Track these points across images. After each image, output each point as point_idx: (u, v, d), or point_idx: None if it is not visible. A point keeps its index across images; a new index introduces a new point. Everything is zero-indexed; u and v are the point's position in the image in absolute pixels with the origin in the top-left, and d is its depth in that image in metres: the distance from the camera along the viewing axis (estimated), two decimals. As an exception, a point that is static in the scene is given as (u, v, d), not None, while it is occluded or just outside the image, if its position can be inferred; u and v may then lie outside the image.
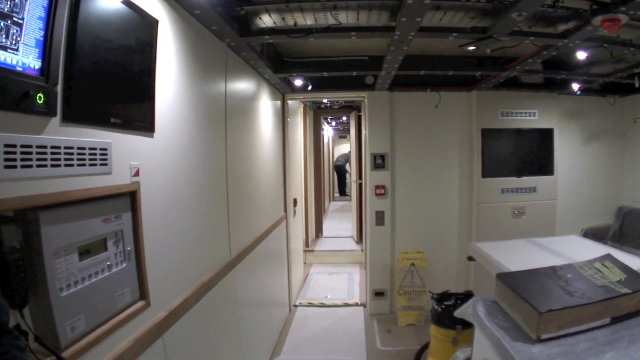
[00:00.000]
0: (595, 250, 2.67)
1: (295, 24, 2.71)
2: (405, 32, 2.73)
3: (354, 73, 4.30)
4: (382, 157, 5.06)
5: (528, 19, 2.69)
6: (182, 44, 2.19)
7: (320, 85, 4.91)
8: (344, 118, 10.42)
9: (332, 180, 14.75)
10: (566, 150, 5.40)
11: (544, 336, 1.18)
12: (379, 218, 5.13)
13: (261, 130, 4.05)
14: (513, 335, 1.21)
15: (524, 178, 5.05)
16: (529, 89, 5.05)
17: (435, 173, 5.11)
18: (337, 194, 15.43)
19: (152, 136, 1.85)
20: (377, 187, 5.07)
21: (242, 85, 3.47)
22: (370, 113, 5.03)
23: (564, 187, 5.35)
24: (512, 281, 1.41)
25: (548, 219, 5.14)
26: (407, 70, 4.07)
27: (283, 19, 2.66)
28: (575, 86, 4.90)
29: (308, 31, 2.82)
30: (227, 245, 2.91)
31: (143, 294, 1.71)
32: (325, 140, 12.15)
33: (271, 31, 2.85)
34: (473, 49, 3.23)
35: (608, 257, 1.58)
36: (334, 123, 12.13)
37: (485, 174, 4.96)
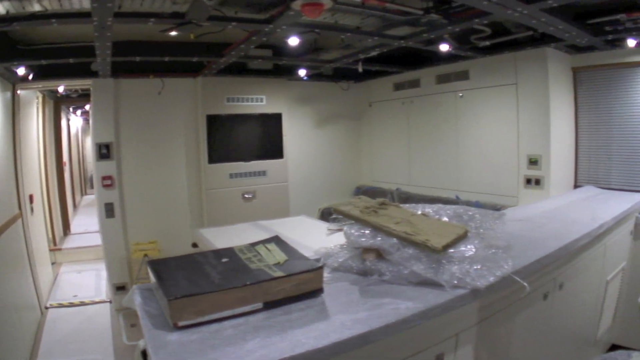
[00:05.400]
0: (317, 228, 3.05)
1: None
2: (102, 17, 2.83)
3: (71, 60, 4.43)
4: (107, 146, 5.26)
5: (236, 5, 2.92)
6: None
7: (49, 73, 4.99)
8: (87, 107, 10.55)
9: (85, 173, 14.82)
10: (298, 134, 6.13)
11: (181, 323, 1.21)
12: (109, 210, 5.35)
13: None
14: (156, 323, 1.26)
15: (253, 162, 5.74)
16: (257, 75, 5.57)
17: (163, 161, 5.54)
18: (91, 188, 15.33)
19: None
20: (104, 178, 5.26)
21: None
22: (96, 101, 5.22)
23: (297, 170, 6.11)
24: (160, 267, 1.44)
25: (281, 201, 5.94)
26: (127, 56, 4.36)
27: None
28: (303, 72, 5.50)
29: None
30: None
31: None
32: (73, 131, 12.38)
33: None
34: (175, 34, 3.48)
35: (274, 239, 1.67)
36: (79, 112, 12.27)
37: (213, 159, 5.52)
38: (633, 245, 3.36)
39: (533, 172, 4.39)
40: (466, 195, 5.11)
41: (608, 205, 3.11)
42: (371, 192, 6.32)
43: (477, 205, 4.72)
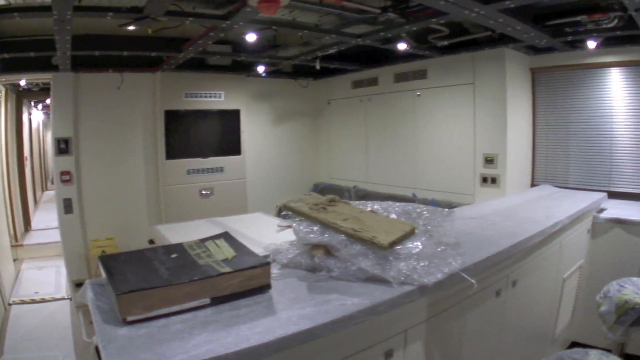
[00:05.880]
0: (273, 225, 3.13)
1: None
2: (62, 11, 2.85)
3: (32, 54, 4.41)
4: (66, 141, 5.23)
5: (194, 0, 2.99)
6: None
7: (11, 67, 4.94)
8: (48, 101, 10.50)
9: (46, 168, 14.67)
10: (256, 130, 6.23)
11: (130, 318, 1.24)
12: (67, 206, 5.33)
13: None
14: (107, 318, 1.29)
15: (210, 159, 5.75)
16: (216, 71, 5.61)
17: (122, 156, 5.53)
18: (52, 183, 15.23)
19: None
20: (62, 173, 5.25)
21: None
22: (55, 95, 5.19)
23: (255, 167, 6.20)
24: (110, 262, 1.48)
25: (239, 197, 5.99)
26: (86, 50, 4.40)
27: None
28: (261, 68, 5.58)
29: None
30: None
31: None
32: (35, 126, 12.38)
33: None
34: (133, 29, 3.56)
35: (224, 235, 1.72)
36: (40, 107, 12.18)
37: (170, 155, 5.53)
38: (591, 244, 3.50)
39: (489, 171, 4.51)
40: (423, 193, 5.22)
41: (564, 204, 3.23)
42: (329, 189, 6.40)
43: (433, 203, 4.84)
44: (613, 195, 4.08)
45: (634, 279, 2.51)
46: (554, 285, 2.99)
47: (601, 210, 3.57)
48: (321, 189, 6.53)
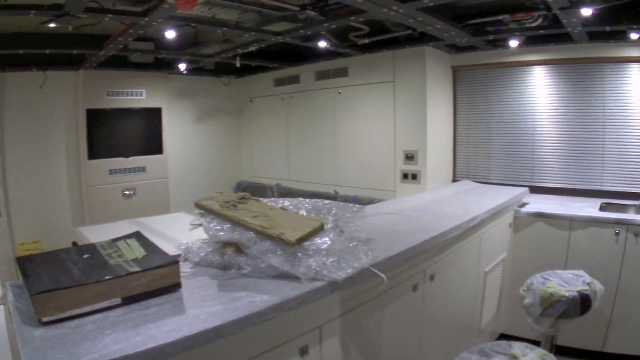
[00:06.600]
0: (185, 223, 3.30)
1: None
2: None
3: None
4: None
5: None
6: None
7: None
8: None
9: None
10: (178, 129, 6.27)
11: (45, 319, 1.27)
12: None
13: None
14: (25, 319, 1.32)
15: (132, 158, 5.77)
16: (138, 69, 5.60)
17: (46, 157, 5.45)
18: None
19: None
20: None
21: None
22: None
23: (177, 166, 6.25)
24: (26, 264, 1.51)
25: (161, 197, 6.04)
26: (10, 49, 4.40)
27: None
28: (183, 66, 5.59)
29: None
30: None
31: None
32: None
33: None
34: (55, 26, 3.50)
35: (135, 234, 1.76)
36: None
37: (92, 155, 5.52)
38: (513, 238, 3.72)
39: (409, 167, 4.69)
40: (345, 190, 5.37)
41: (483, 199, 3.42)
42: (252, 187, 6.49)
43: (355, 200, 5.02)
44: (536, 190, 4.33)
45: (559, 271, 2.67)
46: (475, 278, 3.14)
47: (523, 205, 3.79)
48: (244, 187, 6.61)
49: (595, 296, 2.46)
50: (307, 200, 1.94)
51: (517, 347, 1.92)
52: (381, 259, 1.86)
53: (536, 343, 2.21)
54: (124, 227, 3.17)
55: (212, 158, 6.77)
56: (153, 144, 5.93)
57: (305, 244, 1.63)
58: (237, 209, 1.75)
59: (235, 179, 6.98)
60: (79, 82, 5.40)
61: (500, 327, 3.77)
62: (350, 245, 1.78)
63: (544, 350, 1.94)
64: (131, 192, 5.75)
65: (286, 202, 1.92)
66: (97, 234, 3.09)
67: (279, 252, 1.60)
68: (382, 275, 1.77)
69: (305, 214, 1.85)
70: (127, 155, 5.70)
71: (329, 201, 1.97)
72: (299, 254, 1.62)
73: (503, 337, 3.71)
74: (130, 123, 5.76)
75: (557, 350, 2.91)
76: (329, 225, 1.78)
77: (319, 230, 1.70)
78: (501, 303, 3.66)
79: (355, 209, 1.91)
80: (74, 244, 3.17)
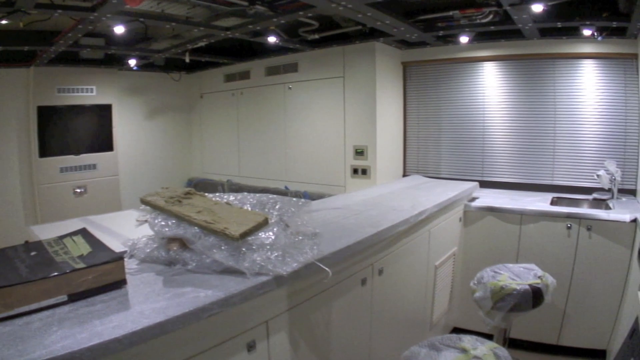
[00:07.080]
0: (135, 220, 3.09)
1: None
2: None
3: None
4: None
5: None
6: None
7: None
8: None
9: None
10: (128, 125, 6.29)
11: None
12: None
13: None
14: None
15: (83, 155, 5.77)
16: (88, 65, 5.60)
17: None
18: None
19: None
20: None
21: None
22: None
23: (128, 163, 6.29)
24: None
25: (112, 195, 6.08)
26: None
27: None
28: (133, 62, 5.60)
29: None
30: None
31: None
32: None
33: None
34: (6, 23, 3.59)
35: (81, 231, 1.80)
36: None
37: (43, 153, 5.51)
38: (463, 232, 3.84)
39: (359, 162, 4.79)
40: (296, 186, 5.46)
41: (432, 193, 3.52)
42: (203, 184, 6.55)
43: (305, 195, 5.10)
44: (486, 184, 4.48)
45: (509, 265, 2.77)
46: (425, 272, 3.23)
47: (473, 199, 3.93)
48: (195, 183, 6.66)
49: (547, 289, 2.55)
50: (252, 195, 1.99)
51: (467, 341, 1.93)
52: (327, 253, 1.91)
53: (489, 337, 2.25)
54: (75, 225, 3.08)
55: (163, 155, 6.80)
56: (104, 141, 5.93)
57: (250, 238, 1.67)
58: (182, 205, 1.78)
59: (186, 176, 7.02)
60: (30, 79, 5.38)
61: (453, 321, 3.88)
62: (296, 239, 1.83)
63: (496, 343, 1.96)
64: (82, 190, 5.75)
65: (231, 197, 1.97)
66: (49, 232, 3.01)
67: (223, 247, 1.63)
68: (327, 269, 1.81)
69: (250, 208, 1.90)
70: (77, 153, 5.70)
71: (273, 196, 2.01)
72: (244, 249, 1.65)
73: (456, 330, 3.82)
74: (81, 120, 5.75)
75: (512, 343, 3.01)
76: (274, 220, 1.82)
77: (263, 224, 1.74)
78: (453, 297, 3.77)
79: (300, 203, 1.97)
80: (27, 243, 3.14)
